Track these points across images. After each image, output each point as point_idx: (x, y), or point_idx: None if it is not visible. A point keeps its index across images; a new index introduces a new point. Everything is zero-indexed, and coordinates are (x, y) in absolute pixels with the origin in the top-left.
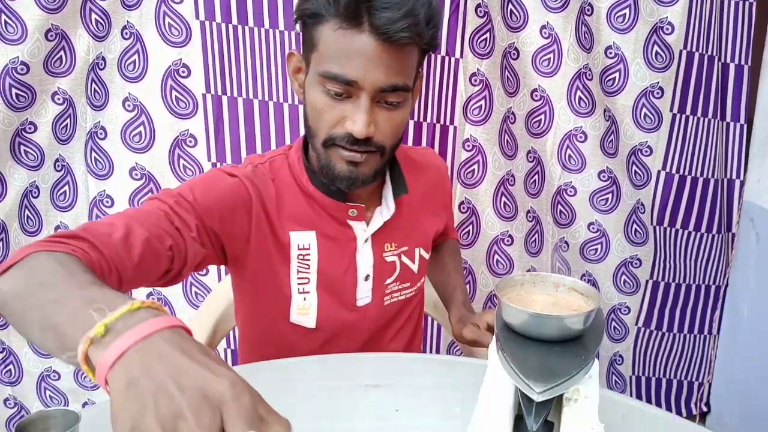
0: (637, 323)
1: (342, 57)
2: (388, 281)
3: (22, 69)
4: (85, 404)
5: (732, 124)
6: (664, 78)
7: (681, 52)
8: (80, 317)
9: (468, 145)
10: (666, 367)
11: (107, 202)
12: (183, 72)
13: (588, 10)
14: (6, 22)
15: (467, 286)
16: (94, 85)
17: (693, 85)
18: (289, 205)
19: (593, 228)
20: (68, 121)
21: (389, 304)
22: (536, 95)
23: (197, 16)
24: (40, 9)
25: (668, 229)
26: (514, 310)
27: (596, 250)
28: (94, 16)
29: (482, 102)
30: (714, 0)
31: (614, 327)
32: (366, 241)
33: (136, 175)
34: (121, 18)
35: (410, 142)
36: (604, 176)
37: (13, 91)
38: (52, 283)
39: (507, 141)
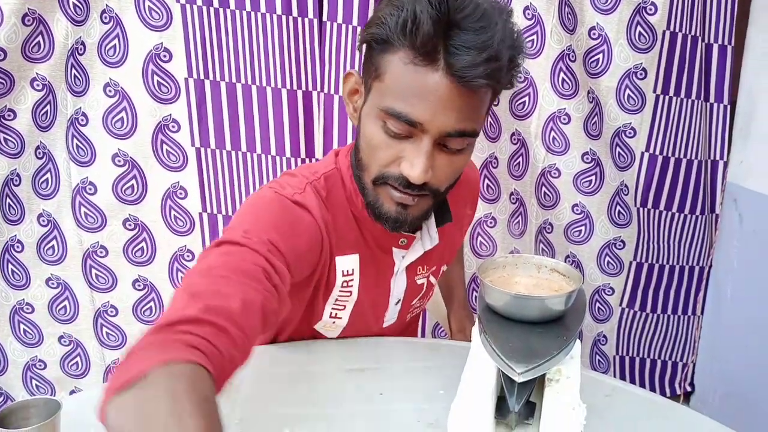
0: (621, 304)
1: (410, 95)
2: (414, 301)
3: None
4: (72, 392)
5: (715, 105)
6: (647, 59)
7: (664, 32)
8: None
9: None
10: (650, 348)
11: (90, 189)
12: (164, 56)
13: None
14: None
15: None
16: (74, 70)
17: (676, 66)
18: (340, 228)
19: (577, 210)
20: (48, 107)
21: (409, 319)
22: (519, 77)
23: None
24: None
25: (652, 210)
26: (496, 291)
27: (580, 231)
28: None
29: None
30: None
31: (598, 308)
32: (403, 269)
33: (119, 161)
34: (99, 2)
35: None
36: (587, 158)
37: None
38: None
39: (490, 123)
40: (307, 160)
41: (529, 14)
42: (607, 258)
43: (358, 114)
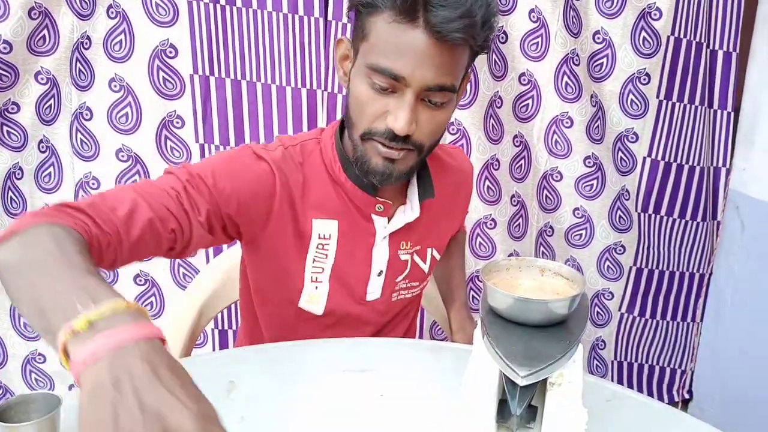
0: (620, 309)
1: (392, 51)
2: (399, 278)
3: (4, 48)
4: (71, 387)
5: (719, 111)
6: (651, 64)
7: (669, 38)
8: (66, 305)
9: (452, 129)
10: (648, 354)
11: (93, 184)
12: (170, 52)
13: None
14: None
15: None
16: (78, 65)
17: (680, 72)
18: (315, 192)
19: (578, 213)
20: (52, 101)
21: (396, 300)
22: (524, 79)
23: None
24: None
25: (653, 216)
26: (500, 294)
27: (581, 235)
28: None
29: (467, 86)
30: None
31: (597, 312)
32: (384, 237)
33: (123, 156)
34: None
35: None
36: (589, 162)
37: None
38: (45, 264)
39: (492, 125)
40: None
41: (534, 17)
42: (607, 262)
43: (348, 77)
